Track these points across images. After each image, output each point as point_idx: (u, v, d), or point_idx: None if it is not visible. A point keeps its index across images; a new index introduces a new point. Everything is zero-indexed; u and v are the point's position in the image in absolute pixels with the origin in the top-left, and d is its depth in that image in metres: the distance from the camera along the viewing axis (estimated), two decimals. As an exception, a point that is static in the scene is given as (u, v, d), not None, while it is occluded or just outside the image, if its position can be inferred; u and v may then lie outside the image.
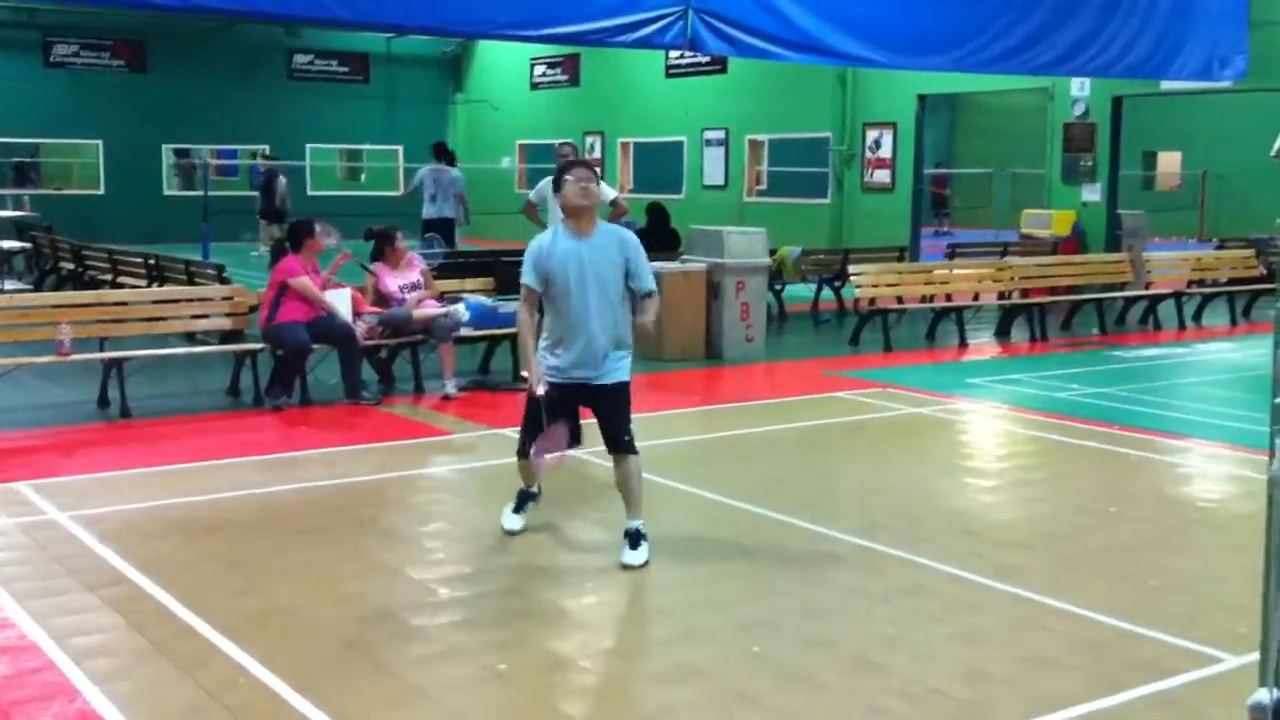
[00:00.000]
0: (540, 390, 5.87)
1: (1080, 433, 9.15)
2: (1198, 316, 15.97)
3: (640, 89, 26.79)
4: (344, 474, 7.80)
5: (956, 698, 4.49)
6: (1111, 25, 14.33)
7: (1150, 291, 15.90)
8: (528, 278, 6.05)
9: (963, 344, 13.62)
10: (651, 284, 6.16)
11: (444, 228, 17.70)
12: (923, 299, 15.24)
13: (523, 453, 6.21)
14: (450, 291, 11.08)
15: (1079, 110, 19.07)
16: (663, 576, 5.89)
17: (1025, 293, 14.89)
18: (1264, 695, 2.36)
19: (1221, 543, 6.58)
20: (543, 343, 6.08)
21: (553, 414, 5.87)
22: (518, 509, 6.55)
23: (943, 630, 5.16)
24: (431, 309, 10.25)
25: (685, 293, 12.36)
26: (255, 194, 24.31)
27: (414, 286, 10.35)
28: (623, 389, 6.17)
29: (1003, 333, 14.45)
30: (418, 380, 10.35)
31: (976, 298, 14.91)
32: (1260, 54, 15.99)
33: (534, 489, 6.58)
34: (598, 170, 11.05)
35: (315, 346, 9.69)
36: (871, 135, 22.26)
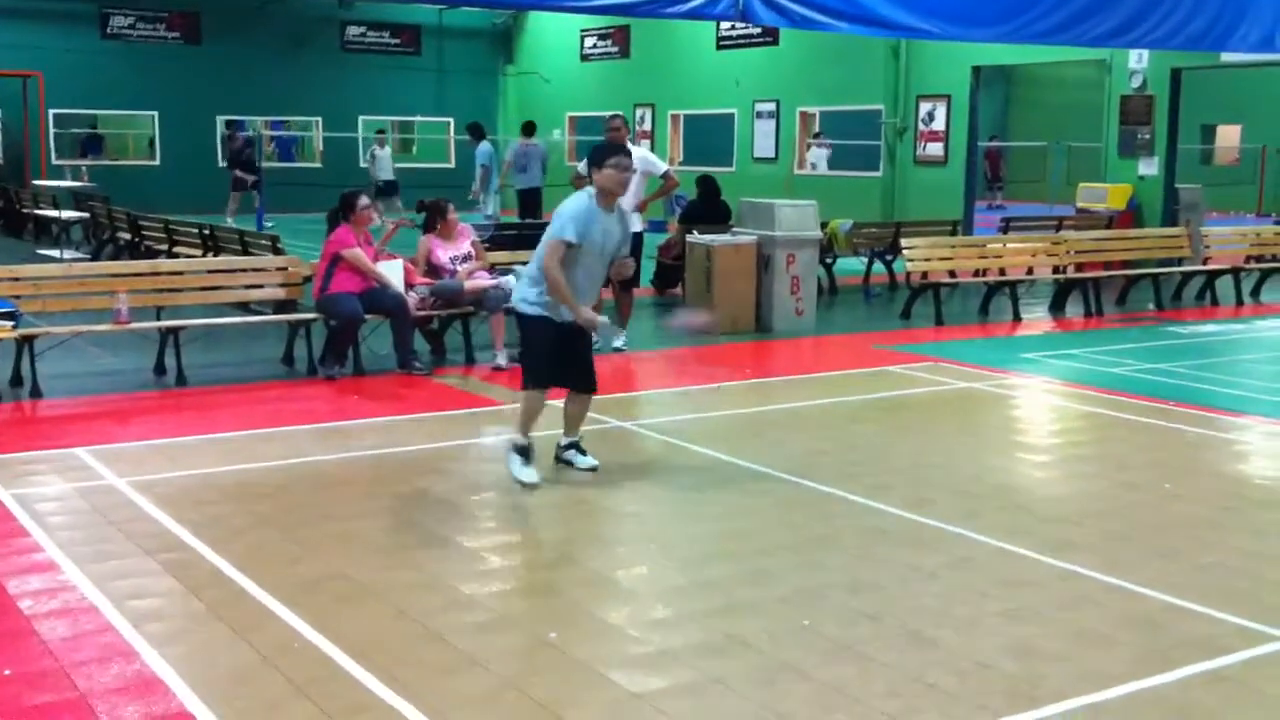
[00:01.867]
0: (602, 318, 6.97)
1: (1135, 409, 9.05)
2: (1256, 292, 15.73)
3: (691, 61, 26.65)
4: (396, 443, 7.86)
5: (1006, 672, 4.47)
6: (1169, -3, 14.06)
7: (1208, 267, 15.66)
8: (571, 233, 6.62)
9: (1016, 319, 13.49)
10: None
11: (535, 196, 18.59)
12: (976, 273, 15.10)
13: (541, 383, 6.84)
14: (501, 263, 11.12)
15: (1136, 83, 18.78)
16: (711, 549, 5.90)
17: (1080, 267, 14.71)
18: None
19: (1278, 521, 6.50)
20: (535, 287, 6.78)
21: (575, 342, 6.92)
22: (527, 460, 6.79)
23: (992, 605, 5.14)
24: (483, 280, 10.30)
25: (735, 265, 12.33)
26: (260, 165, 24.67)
27: (465, 258, 10.40)
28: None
29: (1057, 307, 14.30)
30: (469, 351, 10.40)
31: (1030, 272, 14.76)
32: (1325, 25, 15.63)
33: (529, 443, 6.84)
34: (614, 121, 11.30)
35: (368, 317, 9.77)
36: (924, 108, 22.04)
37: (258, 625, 4.83)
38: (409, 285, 10.06)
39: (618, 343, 11.17)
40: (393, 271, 9.96)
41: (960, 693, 4.30)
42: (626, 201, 10.96)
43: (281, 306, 10.62)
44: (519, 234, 13.07)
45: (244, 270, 10.84)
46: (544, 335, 6.82)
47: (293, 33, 29.20)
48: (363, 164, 27.13)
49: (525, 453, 6.78)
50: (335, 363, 9.72)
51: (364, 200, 9.96)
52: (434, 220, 10.48)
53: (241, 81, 28.70)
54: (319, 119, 30.24)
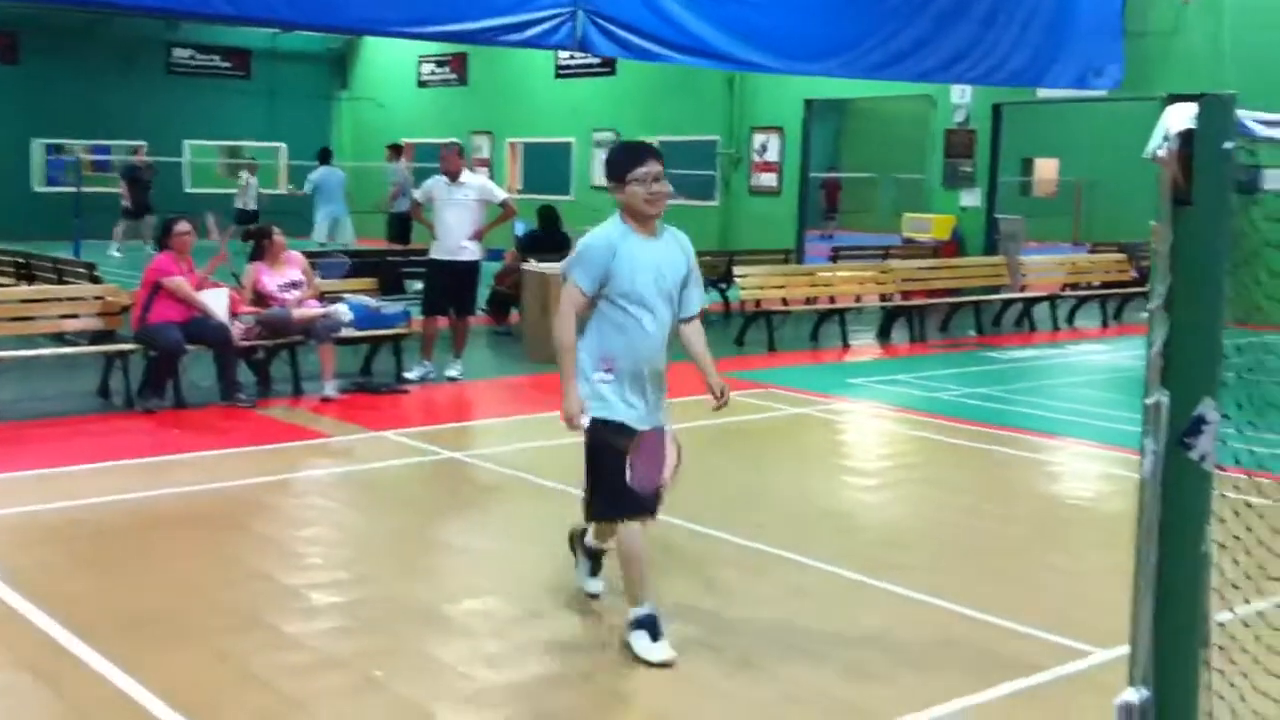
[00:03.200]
0: (585, 421, 4.77)
1: (958, 432, 9.31)
2: (1071, 319, 16.39)
3: (529, 89, 26.68)
4: (218, 478, 7.60)
5: (836, 697, 4.52)
6: (990, 35, 14.65)
7: (1026, 294, 16.28)
8: (581, 278, 4.78)
9: (845, 345, 13.79)
10: (703, 301, 5.15)
11: (408, 222, 18.59)
12: (807, 301, 15.40)
13: (599, 516, 5.05)
14: (331, 292, 10.90)
15: (960, 117, 19.46)
16: (540, 579, 5.83)
17: (906, 295, 15.13)
18: (1132, 695, 2.41)
19: (1093, 540, 6.74)
20: (588, 367, 4.88)
21: (617, 440, 4.71)
22: (594, 571, 5.45)
23: (822, 629, 5.20)
24: (312, 309, 10.07)
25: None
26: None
27: (293, 285, 10.15)
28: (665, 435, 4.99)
29: (884, 334, 14.67)
30: (296, 382, 10.14)
31: (859, 300, 15.12)
32: (1134, 64, 16.49)
33: (654, 610, 4.87)
34: (449, 148, 10.98)
35: (190, 347, 9.44)
36: (759, 139, 22.45)
37: (68, 673, 4.59)
38: (234, 314, 9.76)
39: (452, 372, 11.04)
40: (217, 300, 9.66)
41: (794, 718, 4.33)
42: (464, 230, 10.90)
43: (99, 337, 10.20)
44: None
45: (59, 299, 10.38)
46: (609, 451, 4.76)
47: (117, 55, 28.22)
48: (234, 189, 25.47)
49: (652, 625, 4.80)
50: (155, 395, 9.37)
51: (182, 225, 9.64)
52: (260, 246, 10.20)
53: (62, 104, 27.62)
54: (144, 144, 29.29)
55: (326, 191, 19.94)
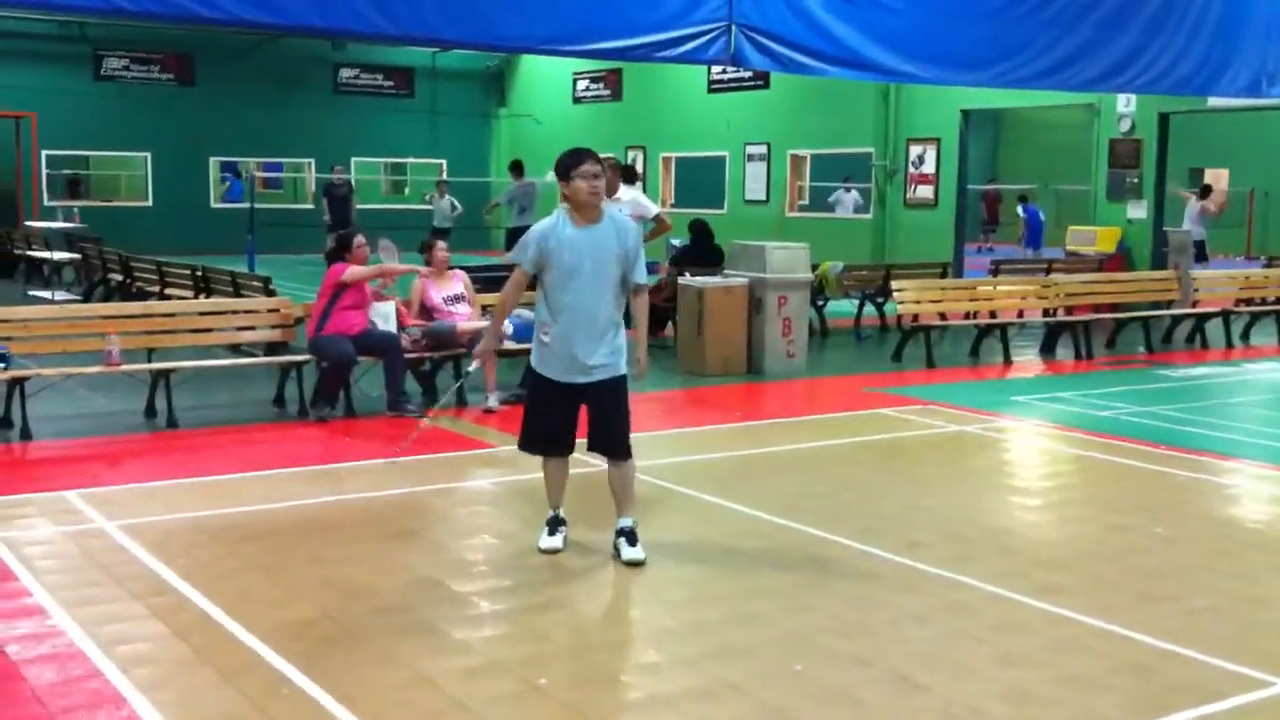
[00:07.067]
0: (474, 364, 7.85)
1: (1125, 452, 9.06)
2: (1246, 335, 15.78)
3: (682, 103, 26.83)
4: (386, 486, 7.84)
5: (998, 717, 4.46)
6: (1157, 41, 14.20)
7: (1197, 310, 15.72)
8: (523, 259, 6.10)
9: (1007, 361, 13.53)
10: (644, 277, 6.24)
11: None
12: (966, 315, 15.16)
13: (521, 446, 6.39)
14: (491, 305, 11.12)
15: (1125, 127, 18.92)
16: (701, 592, 5.88)
17: (1070, 310, 14.78)
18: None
19: (1270, 565, 6.50)
20: (538, 330, 6.18)
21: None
22: (552, 530, 6.44)
23: (983, 649, 5.12)
24: (475, 322, 10.32)
25: (727, 307, 12.36)
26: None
27: (457, 299, 10.42)
28: (620, 386, 6.21)
29: (1047, 350, 14.34)
30: (460, 393, 10.39)
31: (1021, 315, 14.82)
32: (1310, 70, 15.80)
33: (554, 514, 6.46)
34: (605, 164, 10.97)
35: (360, 359, 9.77)
36: (915, 151, 22.18)
37: (246, 670, 4.80)
38: (401, 326, 10.07)
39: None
40: (385, 313, 9.97)
41: (952, 739, 4.29)
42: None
43: (273, 348, 10.62)
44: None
45: (236, 312, 10.85)
46: (533, 392, 6.37)
47: (286, 74, 29.37)
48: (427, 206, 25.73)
49: (551, 524, 6.45)
50: (327, 405, 9.71)
51: (359, 239, 10.00)
52: (424, 259, 10.51)
53: (234, 122, 28.85)
54: (312, 160, 30.34)
55: (522, 205, 19.86)
